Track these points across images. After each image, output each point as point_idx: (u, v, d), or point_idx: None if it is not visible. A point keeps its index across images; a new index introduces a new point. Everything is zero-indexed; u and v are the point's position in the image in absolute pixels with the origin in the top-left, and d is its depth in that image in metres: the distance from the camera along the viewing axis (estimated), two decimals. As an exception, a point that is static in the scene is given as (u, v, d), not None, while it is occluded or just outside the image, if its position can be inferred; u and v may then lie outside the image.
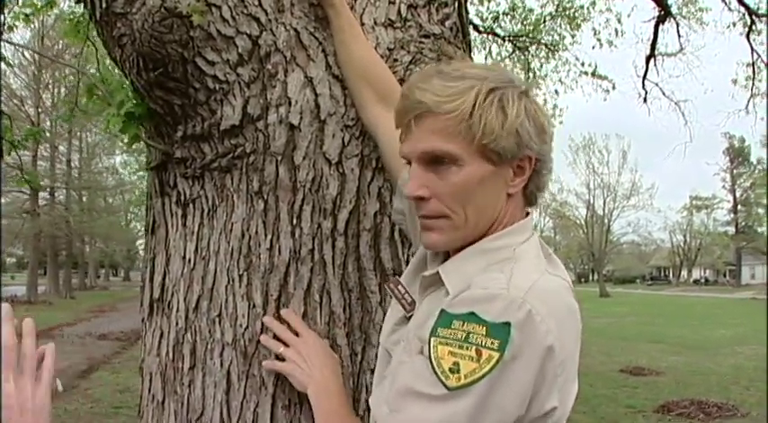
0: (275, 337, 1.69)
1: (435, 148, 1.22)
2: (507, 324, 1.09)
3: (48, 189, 36.57)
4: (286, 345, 1.66)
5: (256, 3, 1.74)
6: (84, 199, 41.58)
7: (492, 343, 1.09)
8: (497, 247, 1.26)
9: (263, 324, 1.71)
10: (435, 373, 1.12)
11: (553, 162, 1.31)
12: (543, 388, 1.13)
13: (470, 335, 1.10)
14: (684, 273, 75.01)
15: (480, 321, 1.10)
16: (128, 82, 1.88)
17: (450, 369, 1.10)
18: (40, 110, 33.73)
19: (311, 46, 1.77)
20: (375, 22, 1.86)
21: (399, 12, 1.88)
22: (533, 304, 1.11)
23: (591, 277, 73.84)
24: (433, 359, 1.13)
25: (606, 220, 57.70)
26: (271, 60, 1.75)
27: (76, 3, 1.87)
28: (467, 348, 1.10)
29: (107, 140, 37.06)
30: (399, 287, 1.43)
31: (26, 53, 32.26)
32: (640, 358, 14.77)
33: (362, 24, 1.83)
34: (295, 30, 1.77)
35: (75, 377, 12.31)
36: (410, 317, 1.36)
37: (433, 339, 1.14)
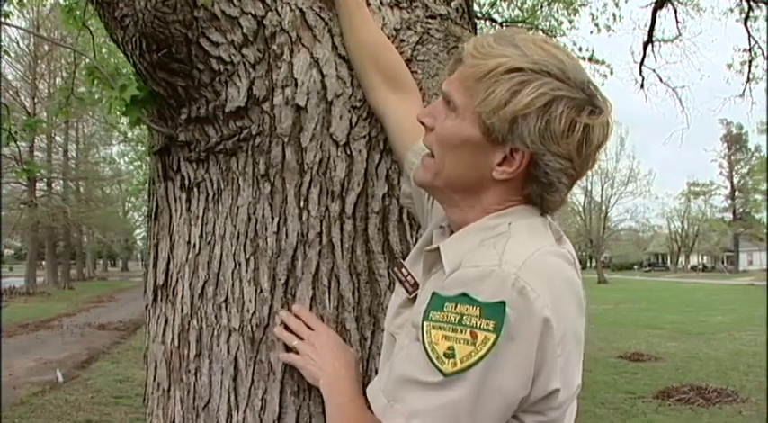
0: (287, 328, 1.66)
1: (448, 91, 1.24)
2: (502, 303, 1.05)
3: (45, 180, 36.48)
4: (300, 338, 1.64)
5: (260, -18, 1.70)
6: (82, 189, 41.45)
7: (487, 324, 1.05)
8: (495, 224, 1.22)
9: (270, 309, 1.69)
10: (430, 359, 1.08)
11: (564, 181, 1.20)
12: (544, 367, 1.08)
13: (464, 317, 1.06)
14: (682, 259, 75.21)
15: (473, 302, 1.07)
16: (130, 65, 1.84)
17: (445, 354, 1.07)
18: (36, 100, 33.60)
19: (317, 26, 1.74)
20: (381, 3, 1.82)
21: (405, -9, 1.85)
22: (527, 280, 1.07)
23: (589, 264, 73.90)
24: (426, 345, 1.09)
25: (604, 207, 57.83)
26: (276, 41, 1.72)
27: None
28: (461, 331, 1.06)
29: (103, 131, 36.90)
30: (403, 269, 1.40)
31: (21, 44, 32.18)
32: (639, 344, 14.82)
33: (368, 5, 1.80)
34: (300, 10, 1.73)
35: (75, 367, 12.33)
36: (414, 298, 1.33)
37: (425, 324, 1.10)
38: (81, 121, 37.73)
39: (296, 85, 1.71)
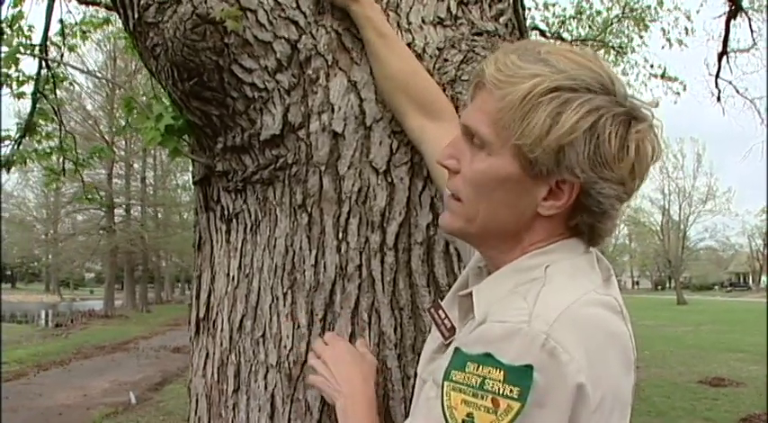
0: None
1: (472, 126, 1.10)
2: (529, 367, 0.93)
3: (123, 206, 37.59)
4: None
5: (294, 5, 1.63)
6: (159, 215, 42.52)
7: (511, 391, 0.93)
8: (533, 264, 1.09)
9: (307, 346, 1.61)
10: None
11: (617, 207, 1.08)
12: None
13: (486, 381, 0.95)
14: (765, 278, 72.54)
15: (497, 364, 0.95)
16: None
17: (464, 421, 0.96)
18: (114, 129, 34.71)
19: (354, 48, 1.66)
20: (423, 21, 1.74)
21: (449, 9, 1.76)
22: (560, 339, 0.95)
23: (668, 285, 72.00)
24: (445, 408, 0.98)
25: (682, 226, 56.17)
26: (311, 65, 1.65)
27: (110, 9, 1.81)
28: (482, 397, 0.95)
29: (180, 157, 37.86)
30: (440, 311, 1.28)
31: (100, 75, 33.31)
32: (720, 368, 14.26)
33: (409, 24, 1.71)
34: (336, 32, 1.66)
35: (149, 390, 12.55)
36: (449, 344, 1.20)
37: (445, 384, 1.00)
38: (158, 149, 38.75)
39: (333, 110, 1.64)
